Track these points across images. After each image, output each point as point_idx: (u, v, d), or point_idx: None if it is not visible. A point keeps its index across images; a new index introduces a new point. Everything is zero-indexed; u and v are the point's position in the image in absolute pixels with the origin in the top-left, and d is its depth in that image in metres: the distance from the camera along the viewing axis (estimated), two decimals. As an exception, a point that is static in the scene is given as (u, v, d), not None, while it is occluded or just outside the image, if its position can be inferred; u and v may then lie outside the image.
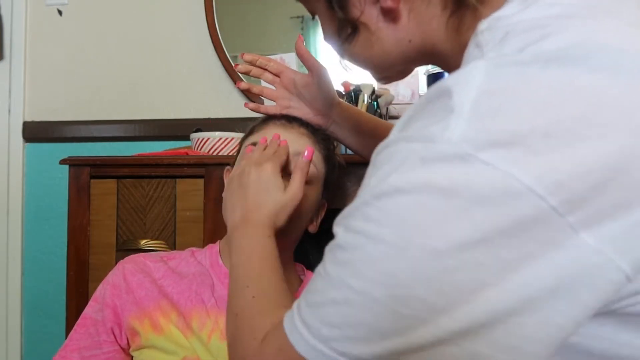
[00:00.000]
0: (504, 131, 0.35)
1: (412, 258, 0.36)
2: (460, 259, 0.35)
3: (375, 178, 0.40)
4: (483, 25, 0.43)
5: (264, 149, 0.75)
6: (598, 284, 0.35)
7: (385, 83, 0.62)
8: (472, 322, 0.35)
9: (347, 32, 0.54)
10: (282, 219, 0.68)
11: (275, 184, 0.69)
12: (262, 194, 0.68)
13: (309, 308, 0.42)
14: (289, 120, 0.82)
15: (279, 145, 0.75)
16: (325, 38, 0.60)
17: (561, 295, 0.35)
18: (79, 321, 0.79)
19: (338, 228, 0.42)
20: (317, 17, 0.60)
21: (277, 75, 0.86)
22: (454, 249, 0.35)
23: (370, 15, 0.51)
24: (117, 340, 0.77)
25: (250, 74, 0.87)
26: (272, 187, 0.68)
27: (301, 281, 0.84)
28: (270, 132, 0.79)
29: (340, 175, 0.91)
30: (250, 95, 1.42)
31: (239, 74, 1.40)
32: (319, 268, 0.43)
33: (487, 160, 0.34)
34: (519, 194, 0.34)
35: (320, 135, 0.83)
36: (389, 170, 0.39)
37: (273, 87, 0.87)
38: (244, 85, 0.88)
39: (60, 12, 1.66)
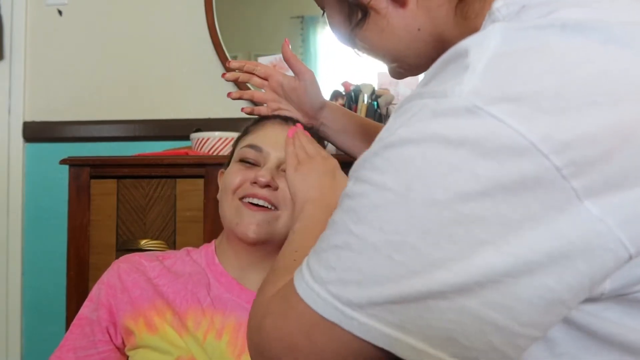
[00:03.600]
0: (515, 88, 0.36)
1: (411, 206, 0.37)
2: (459, 212, 0.35)
3: (386, 131, 0.41)
4: (498, 3, 0.43)
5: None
6: (597, 254, 0.35)
7: (399, 78, 0.63)
8: (467, 279, 0.35)
9: (357, 17, 0.55)
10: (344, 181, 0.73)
11: (340, 176, 0.74)
12: (332, 184, 0.72)
13: (314, 254, 0.43)
14: (285, 120, 0.83)
15: None
16: (335, 29, 0.60)
17: (559, 262, 0.35)
18: (74, 321, 0.78)
19: (349, 181, 0.43)
20: (325, 13, 0.60)
21: (265, 79, 0.88)
22: (453, 200, 0.35)
23: (380, 0, 0.52)
24: (112, 340, 0.76)
25: (239, 80, 0.88)
26: (339, 178, 0.73)
27: None
28: (265, 133, 0.80)
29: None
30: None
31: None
32: (329, 219, 0.45)
33: (495, 114, 0.35)
34: (524, 150, 0.34)
35: (314, 134, 0.84)
36: (399, 123, 0.40)
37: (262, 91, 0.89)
38: (235, 94, 0.89)
39: (60, 12, 1.66)
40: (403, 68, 0.59)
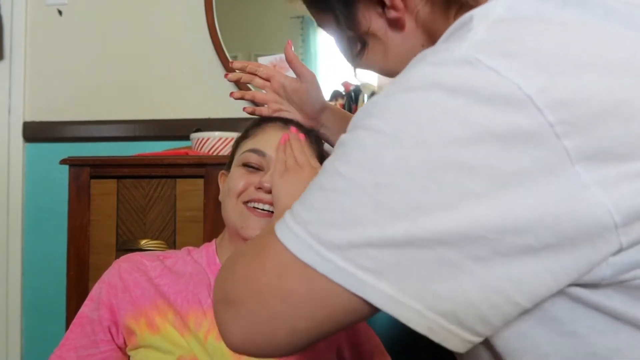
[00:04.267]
0: (514, 45, 0.36)
1: (402, 148, 0.36)
2: (448, 157, 0.35)
3: (391, 83, 0.41)
4: None
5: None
6: (583, 221, 0.34)
7: None
8: (451, 229, 0.35)
9: (357, 48, 0.56)
10: None
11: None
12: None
13: (299, 199, 0.43)
14: (285, 122, 0.83)
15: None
16: (340, 52, 0.61)
17: (544, 223, 0.35)
18: (75, 320, 0.78)
19: (345, 134, 0.43)
20: (330, 34, 0.61)
21: (267, 80, 0.88)
22: (444, 145, 0.35)
23: (378, 27, 0.53)
24: (114, 340, 0.76)
25: (241, 81, 0.89)
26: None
27: None
28: (267, 136, 0.80)
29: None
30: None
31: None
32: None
33: (494, 66, 0.35)
34: (520, 102, 0.34)
35: (314, 136, 0.84)
36: (400, 76, 0.40)
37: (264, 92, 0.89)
38: (237, 94, 0.89)
39: (60, 12, 1.66)
40: None
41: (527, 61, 0.35)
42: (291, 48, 0.83)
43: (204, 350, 0.70)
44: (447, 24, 0.50)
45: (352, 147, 0.39)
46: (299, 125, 0.84)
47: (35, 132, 1.65)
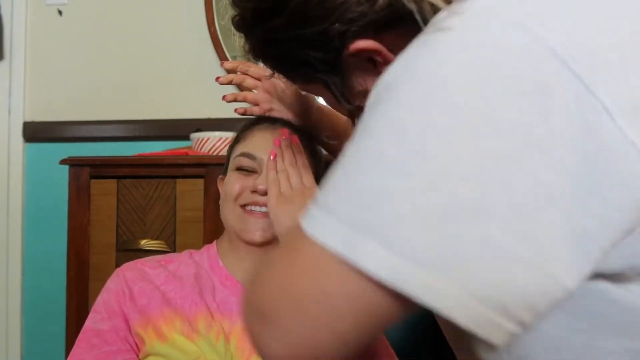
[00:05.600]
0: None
1: (430, 113, 0.33)
2: (479, 119, 0.32)
3: (397, 61, 0.39)
4: None
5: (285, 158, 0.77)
6: (625, 182, 0.32)
7: None
8: (491, 201, 0.32)
9: (358, 115, 0.54)
10: None
11: None
12: None
13: (322, 189, 0.38)
14: (273, 122, 0.83)
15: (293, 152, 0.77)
16: (336, 111, 0.61)
17: (584, 188, 0.32)
18: (80, 336, 0.76)
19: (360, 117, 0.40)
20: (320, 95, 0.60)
21: (258, 79, 0.88)
22: (473, 105, 0.32)
23: (374, 84, 0.52)
24: (132, 348, 0.74)
25: (233, 82, 0.88)
26: None
27: None
28: (257, 139, 0.81)
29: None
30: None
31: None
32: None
33: (513, 18, 0.33)
34: (543, 57, 0.32)
35: (305, 134, 0.84)
36: (415, 46, 0.38)
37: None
38: (229, 97, 0.89)
39: (60, 12, 1.66)
40: None
41: (546, 9, 0.34)
42: None
43: (216, 353, 0.70)
44: None
45: (373, 124, 0.36)
46: (289, 125, 0.84)
47: (35, 132, 1.65)
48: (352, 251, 0.33)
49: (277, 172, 0.75)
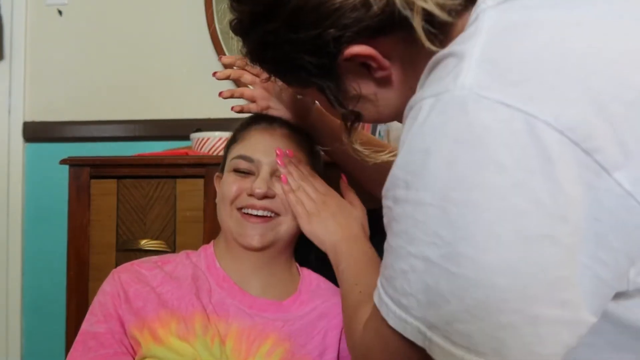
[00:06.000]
0: (514, 70, 0.35)
1: (452, 214, 0.36)
2: (500, 209, 0.34)
3: (403, 144, 0.41)
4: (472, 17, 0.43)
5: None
6: (628, 230, 0.34)
7: None
8: (533, 282, 0.34)
9: (351, 119, 0.56)
10: (367, 227, 0.78)
11: (347, 207, 0.79)
12: (345, 216, 0.77)
13: (387, 281, 0.43)
14: (270, 122, 0.82)
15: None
16: (331, 115, 0.61)
17: (592, 239, 0.35)
18: (77, 338, 0.75)
19: (387, 201, 0.43)
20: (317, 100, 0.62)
21: (256, 75, 0.86)
22: (491, 199, 0.35)
23: (369, 89, 0.52)
24: (128, 351, 0.74)
25: (230, 77, 0.87)
26: (348, 209, 0.78)
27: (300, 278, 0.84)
28: (254, 141, 0.80)
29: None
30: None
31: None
32: (385, 244, 0.45)
33: (501, 99, 0.35)
34: (542, 131, 0.34)
35: (302, 133, 0.84)
36: (413, 133, 0.40)
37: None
38: (226, 93, 0.88)
39: (60, 12, 1.66)
40: None
41: (532, 85, 0.35)
42: None
43: (211, 355, 0.70)
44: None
45: (408, 224, 0.40)
46: (287, 124, 0.83)
47: (35, 132, 1.65)
48: (424, 343, 0.39)
49: (293, 192, 0.77)
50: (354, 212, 0.78)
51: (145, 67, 1.62)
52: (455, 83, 0.36)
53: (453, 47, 0.40)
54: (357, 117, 0.55)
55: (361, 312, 0.54)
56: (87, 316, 0.76)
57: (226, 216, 0.78)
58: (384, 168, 0.84)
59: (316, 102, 0.86)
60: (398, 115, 0.55)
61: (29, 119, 1.66)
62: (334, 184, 0.84)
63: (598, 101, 0.34)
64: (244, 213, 0.76)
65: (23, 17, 1.66)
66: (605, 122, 0.34)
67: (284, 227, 0.77)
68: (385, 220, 0.44)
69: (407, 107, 0.43)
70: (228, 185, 0.78)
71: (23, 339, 1.65)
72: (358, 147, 0.58)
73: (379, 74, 0.50)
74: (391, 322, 0.42)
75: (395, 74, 0.50)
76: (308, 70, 0.51)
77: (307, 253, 0.89)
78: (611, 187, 0.34)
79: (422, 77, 0.43)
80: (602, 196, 0.34)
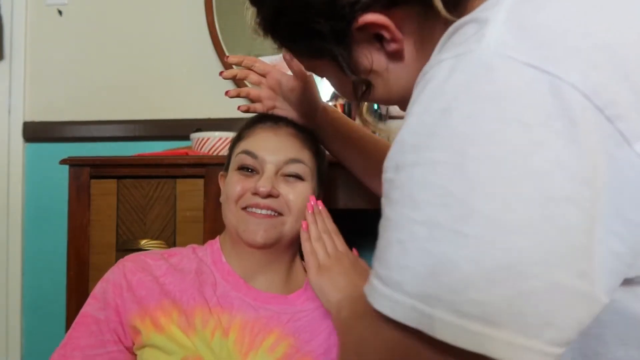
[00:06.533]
0: (541, 31, 0.35)
1: (470, 170, 0.34)
2: (519, 166, 0.33)
3: (417, 105, 0.39)
4: None
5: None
6: None
7: None
8: (551, 247, 0.32)
9: (362, 89, 0.54)
10: None
11: (362, 265, 0.76)
12: (360, 275, 0.73)
13: (378, 261, 0.39)
14: (276, 121, 0.83)
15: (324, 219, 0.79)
16: (340, 93, 0.60)
17: (607, 211, 0.33)
18: (77, 319, 0.77)
19: (388, 173, 0.40)
20: (326, 79, 0.61)
21: (263, 75, 0.86)
22: (510, 156, 0.33)
23: (380, 63, 0.52)
24: (121, 341, 0.75)
25: (237, 77, 0.87)
26: (362, 268, 0.75)
27: (306, 275, 0.84)
28: (259, 138, 0.80)
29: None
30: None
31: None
32: (381, 222, 0.41)
33: (528, 61, 0.34)
34: (566, 93, 0.33)
35: (308, 132, 0.84)
36: (428, 91, 0.38)
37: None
38: (232, 92, 0.87)
39: (60, 12, 1.66)
40: None
41: (558, 47, 0.34)
42: None
43: (210, 350, 0.70)
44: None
45: (414, 189, 0.36)
46: (292, 124, 0.83)
47: (35, 132, 1.65)
48: (424, 323, 0.35)
49: (311, 242, 0.76)
50: (366, 271, 0.75)
51: (145, 67, 1.62)
52: (479, 44, 0.35)
53: (475, 14, 0.39)
54: (368, 86, 0.54)
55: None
56: (90, 299, 0.78)
57: (231, 215, 0.78)
58: None
59: (323, 102, 0.87)
60: (407, 94, 0.53)
61: (29, 119, 1.66)
62: (337, 184, 0.84)
63: (624, 68, 0.34)
64: (249, 211, 0.77)
65: (23, 17, 1.66)
66: (629, 90, 0.33)
67: (287, 226, 0.77)
68: (383, 199, 0.41)
69: (420, 74, 0.41)
70: (232, 185, 0.79)
71: (23, 339, 1.65)
72: (368, 117, 0.57)
73: (392, 47, 0.49)
74: (377, 306, 0.38)
75: (407, 49, 0.50)
76: (322, 36, 0.51)
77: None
78: (631, 158, 0.33)
79: (439, 45, 0.42)
80: (622, 167, 0.33)
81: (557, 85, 0.33)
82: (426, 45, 0.49)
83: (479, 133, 0.34)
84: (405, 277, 0.36)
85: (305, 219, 0.78)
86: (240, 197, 0.77)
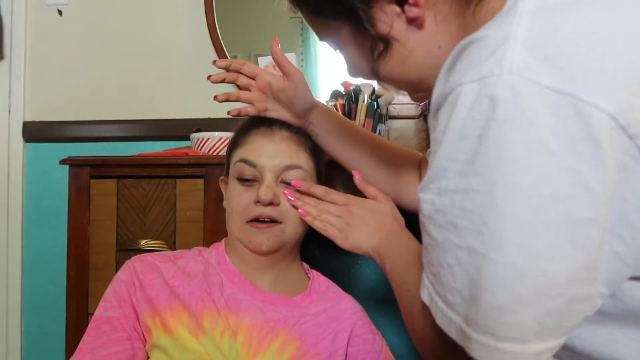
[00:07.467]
0: (562, 55, 0.35)
1: (501, 201, 0.36)
2: (546, 194, 0.35)
3: (444, 133, 0.40)
4: None
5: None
6: None
7: (421, 102, 0.63)
8: (575, 266, 0.35)
9: (379, 49, 0.54)
10: (400, 216, 0.78)
11: (373, 205, 0.78)
12: (376, 216, 0.76)
13: (435, 278, 0.43)
14: (269, 125, 0.82)
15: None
16: (354, 67, 0.61)
17: (614, 217, 0.36)
18: (90, 325, 0.76)
19: (428, 195, 0.42)
20: (342, 51, 0.61)
21: (252, 78, 0.85)
22: (538, 184, 0.35)
23: (399, 28, 0.52)
24: (140, 337, 0.74)
25: (225, 80, 0.85)
26: (374, 207, 0.78)
27: (308, 278, 0.84)
28: (255, 145, 0.80)
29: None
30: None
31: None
32: (425, 240, 0.44)
33: (553, 85, 0.34)
34: (589, 115, 0.34)
35: (302, 133, 0.83)
36: (459, 121, 0.39)
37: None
38: (221, 97, 0.86)
39: (60, 12, 1.66)
40: (425, 92, 0.59)
41: (580, 68, 0.35)
42: (278, 46, 0.80)
43: (219, 352, 0.70)
44: (464, 22, 0.50)
45: (454, 215, 0.39)
46: (286, 125, 0.83)
47: (35, 132, 1.65)
48: (470, 344, 0.40)
49: (317, 219, 0.77)
50: (381, 208, 0.78)
51: (145, 67, 1.62)
52: (501, 67, 0.36)
53: (489, 29, 0.39)
54: (387, 47, 0.54)
55: (415, 312, 0.55)
56: (101, 303, 0.77)
57: (235, 228, 0.80)
58: (384, 166, 0.84)
59: (316, 100, 0.86)
60: (419, 74, 0.55)
61: (29, 119, 1.66)
62: (336, 183, 0.84)
63: None
64: (253, 224, 0.78)
65: (23, 17, 1.66)
66: None
67: (288, 233, 0.78)
68: (421, 216, 0.43)
69: (441, 95, 0.42)
70: (235, 198, 0.79)
71: (23, 339, 1.65)
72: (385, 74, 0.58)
73: (413, 12, 0.50)
74: (439, 321, 0.42)
75: (428, 19, 0.51)
76: None
77: (311, 249, 0.89)
78: None
79: (450, 57, 0.42)
80: (634, 178, 0.35)
81: (580, 108, 0.34)
82: (448, 24, 0.50)
83: (507, 160, 0.36)
84: (455, 299, 0.40)
85: (301, 219, 0.78)
86: (244, 209, 0.78)
